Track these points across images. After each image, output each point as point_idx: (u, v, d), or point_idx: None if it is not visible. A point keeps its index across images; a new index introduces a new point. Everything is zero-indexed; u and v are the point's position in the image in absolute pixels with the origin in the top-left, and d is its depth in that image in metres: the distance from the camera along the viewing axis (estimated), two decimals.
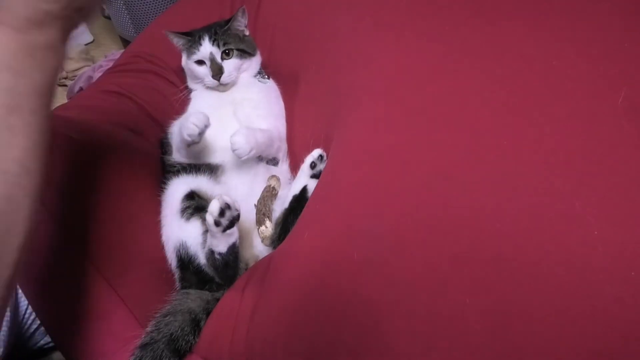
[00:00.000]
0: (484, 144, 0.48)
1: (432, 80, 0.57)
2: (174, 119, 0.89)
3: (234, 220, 0.64)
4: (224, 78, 0.83)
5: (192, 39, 0.84)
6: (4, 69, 0.36)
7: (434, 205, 0.48)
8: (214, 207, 0.61)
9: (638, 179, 0.39)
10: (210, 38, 0.83)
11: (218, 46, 0.83)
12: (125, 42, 1.58)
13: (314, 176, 0.73)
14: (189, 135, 0.71)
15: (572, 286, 0.38)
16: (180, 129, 0.75)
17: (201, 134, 0.72)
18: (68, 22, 0.41)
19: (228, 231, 0.64)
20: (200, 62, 0.84)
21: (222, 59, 0.83)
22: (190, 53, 0.85)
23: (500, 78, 0.51)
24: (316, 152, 0.73)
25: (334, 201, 0.58)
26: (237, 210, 0.63)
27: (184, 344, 0.60)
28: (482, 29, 0.57)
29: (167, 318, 0.62)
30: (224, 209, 0.62)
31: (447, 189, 0.48)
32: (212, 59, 0.83)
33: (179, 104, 0.95)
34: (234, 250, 0.66)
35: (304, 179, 0.73)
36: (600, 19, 0.48)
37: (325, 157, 0.73)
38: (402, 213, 0.49)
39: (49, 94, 0.39)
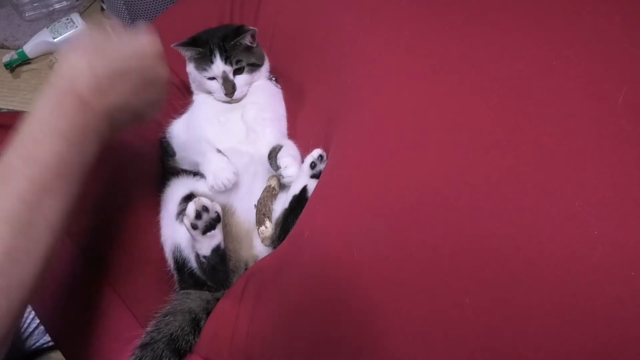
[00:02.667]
0: (483, 143, 0.48)
1: (432, 80, 0.57)
2: (174, 118, 0.89)
3: (213, 222, 0.63)
4: (236, 94, 0.82)
5: (203, 52, 0.81)
6: (61, 137, 0.40)
7: (433, 204, 0.48)
8: (189, 210, 0.61)
9: (638, 179, 0.39)
10: (221, 55, 0.80)
11: (231, 64, 0.81)
12: None
13: (314, 176, 0.73)
14: (217, 187, 0.72)
15: (572, 286, 0.38)
16: (196, 154, 0.75)
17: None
18: (121, 121, 0.47)
19: (209, 233, 0.63)
20: (210, 78, 0.82)
21: (234, 74, 0.82)
22: (200, 67, 0.82)
23: (500, 78, 0.51)
24: (316, 152, 0.73)
25: (333, 201, 0.58)
26: (215, 212, 0.63)
27: (184, 343, 0.60)
28: (482, 29, 0.57)
29: (167, 318, 0.62)
30: (201, 211, 0.61)
31: (447, 188, 0.48)
32: (225, 77, 0.81)
33: (180, 104, 0.95)
34: (218, 253, 0.66)
35: (304, 179, 0.73)
36: (600, 19, 0.48)
37: (325, 157, 0.73)
38: (402, 213, 0.49)
39: (86, 169, 0.43)
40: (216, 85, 0.82)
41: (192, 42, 0.83)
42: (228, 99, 0.82)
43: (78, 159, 0.41)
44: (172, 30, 1.03)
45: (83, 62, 0.42)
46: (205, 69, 0.81)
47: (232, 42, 0.81)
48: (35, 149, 0.39)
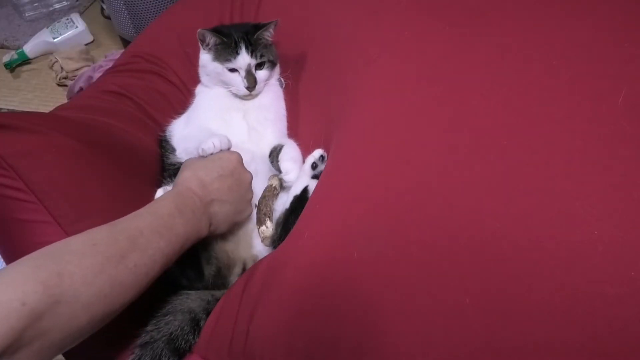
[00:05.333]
0: (483, 143, 0.48)
1: (432, 80, 0.57)
2: (174, 118, 0.89)
3: None
4: (257, 89, 0.82)
5: (228, 41, 0.81)
6: (174, 206, 0.58)
7: (434, 205, 0.48)
8: None
9: (638, 179, 0.39)
10: (247, 48, 0.80)
11: (256, 57, 0.81)
12: (125, 42, 1.58)
13: (314, 176, 0.73)
14: (204, 151, 0.70)
15: (572, 286, 0.38)
16: (197, 141, 0.72)
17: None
18: (220, 214, 0.64)
19: None
20: (232, 70, 0.82)
21: (255, 69, 0.82)
22: (222, 58, 0.81)
23: (500, 78, 0.51)
24: (317, 153, 0.74)
25: (334, 201, 0.58)
26: None
27: (183, 343, 0.60)
28: (482, 29, 0.57)
29: (167, 317, 0.62)
30: None
31: (447, 188, 0.48)
32: (249, 71, 0.81)
33: (179, 103, 0.95)
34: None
35: (305, 179, 0.73)
36: (600, 18, 0.49)
37: (326, 157, 0.73)
38: (402, 213, 0.49)
39: (184, 235, 0.58)
40: (238, 78, 0.82)
41: (216, 32, 0.81)
42: (248, 93, 0.82)
43: (181, 220, 0.57)
44: (172, 30, 1.03)
45: (191, 172, 0.64)
46: (229, 60, 0.81)
47: (255, 36, 0.81)
48: (157, 208, 0.57)
